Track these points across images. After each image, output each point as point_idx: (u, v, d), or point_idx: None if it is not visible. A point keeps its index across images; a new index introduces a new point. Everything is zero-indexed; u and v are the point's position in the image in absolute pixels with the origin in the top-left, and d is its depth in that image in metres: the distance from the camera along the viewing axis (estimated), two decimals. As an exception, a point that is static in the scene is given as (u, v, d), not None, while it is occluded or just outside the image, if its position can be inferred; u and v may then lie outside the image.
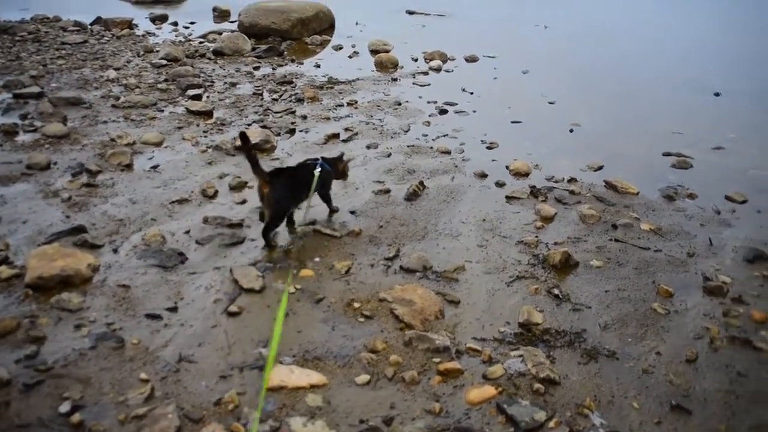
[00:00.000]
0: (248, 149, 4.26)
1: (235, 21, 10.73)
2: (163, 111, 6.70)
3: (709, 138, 6.69)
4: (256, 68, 8.35)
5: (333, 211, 4.77)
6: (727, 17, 13.90)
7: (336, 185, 4.91)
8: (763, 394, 3.27)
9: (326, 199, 4.71)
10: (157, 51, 8.83)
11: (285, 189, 4.27)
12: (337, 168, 4.71)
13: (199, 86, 7.40)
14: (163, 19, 11.19)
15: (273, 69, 8.36)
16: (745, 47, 10.95)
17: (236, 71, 8.17)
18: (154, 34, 10.16)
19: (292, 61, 8.84)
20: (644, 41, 11.08)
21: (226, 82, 7.64)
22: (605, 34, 11.52)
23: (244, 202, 4.90)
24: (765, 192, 5.60)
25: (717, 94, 8.20)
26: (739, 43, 11.27)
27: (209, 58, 8.74)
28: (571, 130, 6.73)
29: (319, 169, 4.42)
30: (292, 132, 6.27)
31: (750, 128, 7.08)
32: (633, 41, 11.04)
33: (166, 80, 7.61)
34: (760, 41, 11.58)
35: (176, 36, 10.06)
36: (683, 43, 11.18)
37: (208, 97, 7.15)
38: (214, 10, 11.80)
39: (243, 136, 4.32)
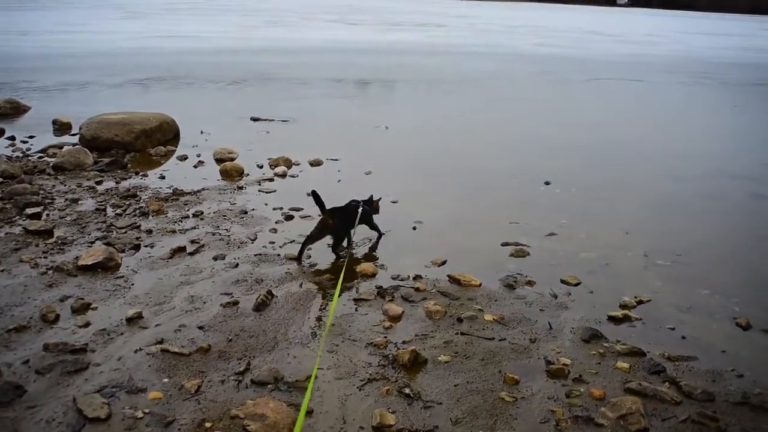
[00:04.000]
0: (319, 202, 6.06)
1: (77, 134, 10.46)
2: (-2, 233, 6.42)
3: (542, 226, 7.13)
4: (99, 182, 8.16)
5: (380, 234, 6.66)
6: (553, 114, 15.01)
7: (185, 302, 5.12)
8: (603, 469, 3.46)
9: (372, 227, 6.59)
10: (-8, 168, 8.49)
11: (342, 221, 6.12)
12: (372, 207, 6.59)
13: (38, 204, 7.14)
14: (-2, 133, 10.80)
15: (116, 182, 8.21)
16: (568, 139, 11.87)
17: (78, 186, 7.96)
18: (-12, 151, 9.76)
19: (137, 173, 8.69)
20: (478, 139, 11.74)
21: (67, 199, 7.43)
22: (443, 134, 12.12)
23: (87, 324, 4.73)
24: (594, 273, 6.03)
25: (547, 183, 8.79)
26: (563, 136, 12.21)
27: (49, 174, 8.48)
28: (414, 228, 6.98)
29: (361, 208, 6.27)
30: (137, 248, 6.16)
31: (578, 214, 7.62)
32: (467, 139, 11.69)
33: (2, 199, 7.30)
34: (579, 132, 12.59)
35: (13, 151, 9.68)
36: (514, 138, 11.95)
37: (47, 215, 6.91)
38: (54, 123, 11.49)
39: (314, 193, 6.09)
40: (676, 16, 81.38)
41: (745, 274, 6.26)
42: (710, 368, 4.54)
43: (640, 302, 5.46)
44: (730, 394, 4.25)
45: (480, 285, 5.66)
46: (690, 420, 3.95)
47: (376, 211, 6.66)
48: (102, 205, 7.29)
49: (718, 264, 6.44)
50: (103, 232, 6.50)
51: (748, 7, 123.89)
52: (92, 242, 6.22)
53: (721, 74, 23.82)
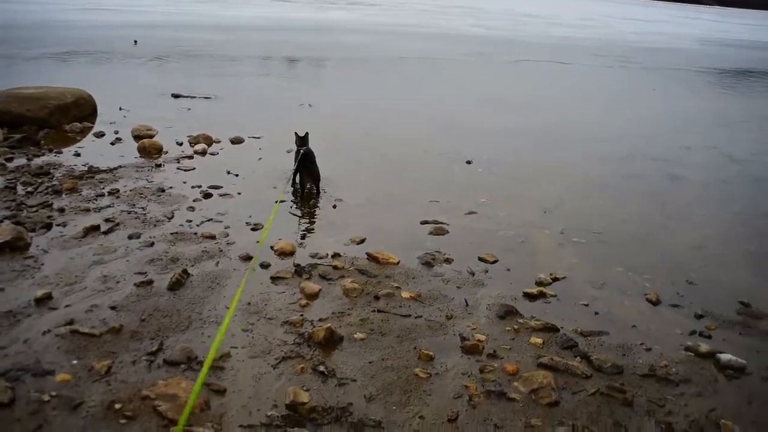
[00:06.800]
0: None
1: (-15, 109, 10.07)
2: None
3: (462, 204, 7.21)
4: (9, 159, 7.83)
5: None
6: (481, 95, 15.12)
7: (97, 282, 5.01)
8: (516, 442, 3.50)
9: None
10: None
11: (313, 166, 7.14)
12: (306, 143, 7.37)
13: (-60, 183, 6.84)
14: None
15: (28, 160, 7.89)
16: (494, 119, 11.99)
17: (-14, 164, 7.64)
18: None
19: (50, 150, 8.37)
20: (402, 118, 11.76)
21: (-27, 177, 7.12)
22: (368, 113, 12.10)
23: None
24: (512, 250, 6.12)
25: (469, 162, 8.86)
26: (490, 117, 12.33)
27: (-47, 152, 8.12)
28: (334, 206, 6.95)
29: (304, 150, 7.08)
30: (48, 227, 5.94)
31: (498, 192, 7.72)
32: (391, 118, 11.71)
33: None
34: (506, 114, 12.74)
35: None
36: (439, 117, 12.01)
37: (-49, 194, 6.63)
38: (-38, 98, 11.02)
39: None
40: (607, 0, 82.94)
41: (657, 251, 6.43)
42: (620, 342, 4.67)
43: (555, 279, 5.57)
44: (637, 366, 4.38)
45: (398, 263, 5.68)
46: (599, 393, 4.06)
47: (305, 142, 7.36)
48: (12, 182, 7.00)
49: (632, 242, 6.60)
50: (12, 210, 6.24)
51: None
52: (0, 221, 5.98)
53: (643, 59, 24.40)
